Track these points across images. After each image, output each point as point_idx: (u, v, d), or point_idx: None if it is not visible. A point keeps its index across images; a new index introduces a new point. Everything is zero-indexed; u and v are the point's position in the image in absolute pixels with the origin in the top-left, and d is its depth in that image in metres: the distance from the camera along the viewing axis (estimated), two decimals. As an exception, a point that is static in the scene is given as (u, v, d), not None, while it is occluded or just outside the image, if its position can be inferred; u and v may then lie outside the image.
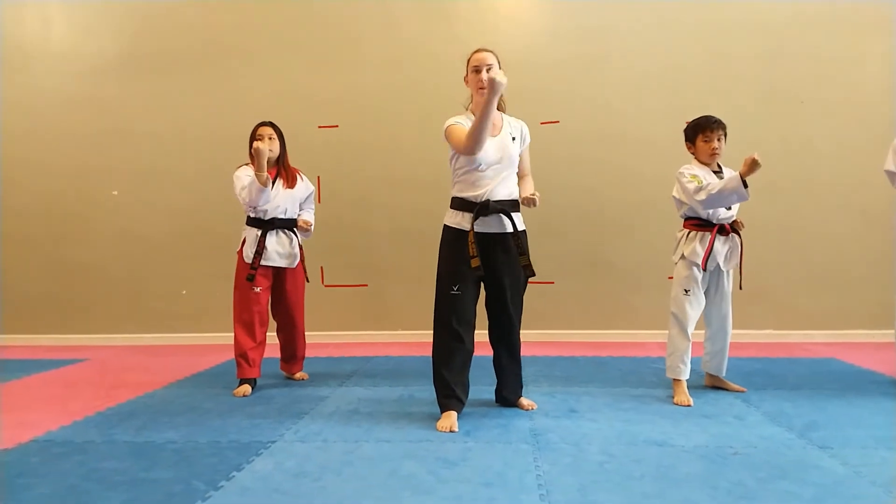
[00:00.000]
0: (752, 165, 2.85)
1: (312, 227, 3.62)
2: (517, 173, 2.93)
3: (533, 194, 2.83)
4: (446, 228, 2.87)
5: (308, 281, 3.69)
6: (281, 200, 3.48)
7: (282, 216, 3.49)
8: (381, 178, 5.05)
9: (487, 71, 2.73)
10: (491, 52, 2.80)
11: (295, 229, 3.55)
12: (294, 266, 3.56)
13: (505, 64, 2.83)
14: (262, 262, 3.43)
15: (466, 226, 2.77)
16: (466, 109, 2.92)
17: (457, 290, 2.79)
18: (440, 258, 2.88)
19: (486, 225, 2.79)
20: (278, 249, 3.48)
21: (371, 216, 5.09)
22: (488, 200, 2.76)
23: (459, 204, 2.83)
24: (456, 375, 2.82)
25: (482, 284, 2.92)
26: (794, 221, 4.85)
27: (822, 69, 4.82)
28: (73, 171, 5.25)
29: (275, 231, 3.48)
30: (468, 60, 2.83)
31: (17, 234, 5.28)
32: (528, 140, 2.97)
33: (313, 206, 3.73)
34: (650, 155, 4.83)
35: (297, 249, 3.55)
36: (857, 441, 2.51)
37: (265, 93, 5.06)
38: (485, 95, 2.57)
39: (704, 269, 3.13)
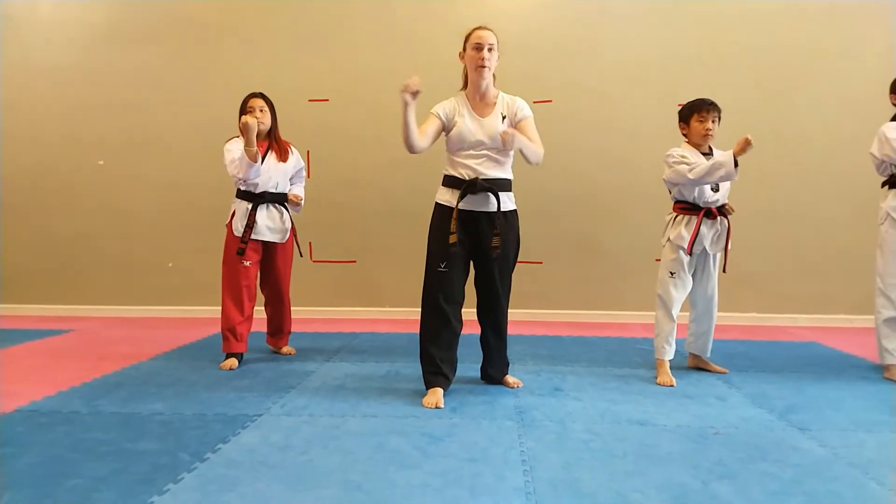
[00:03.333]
0: (745, 145, 2.88)
1: (303, 201, 3.59)
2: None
3: (506, 132, 2.66)
4: (436, 206, 2.88)
5: (301, 255, 3.68)
6: (272, 174, 3.44)
7: (273, 190, 3.46)
8: (371, 154, 5.02)
9: (489, 51, 2.74)
10: (492, 31, 2.78)
11: (286, 204, 3.53)
12: (285, 241, 3.53)
13: (500, 45, 2.82)
14: (253, 237, 3.40)
15: (454, 202, 2.77)
16: (461, 90, 2.91)
17: (444, 268, 2.80)
18: (429, 235, 2.88)
19: (473, 203, 2.78)
20: (269, 224, 3.45)
21: (361, 192, 5.06)
22: (476, 178, 2.76)
23: (449, 181, 2.84)
24: (443, 352, 2.83)
25: (471, 262, 2.92)
26: (781, 207, 4.89)
27: (816, 59, 4.83)
28: (61, 142, 5.17)
29: (265, 205, 3.44)
30: (467, 36, 2.81)
31: (6, 205, 5.21)
32: (525, 114, 2.86)
33: (303, 181, 3.71)
34: (641, 140, 4.83)
35: (287, 224, 3.53)
36: (836, 423, 2.56)
37: (256, 66, 4.99)
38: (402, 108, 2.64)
39: (690, 254, 3.16)
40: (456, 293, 2.84)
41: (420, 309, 2.89)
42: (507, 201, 2.84)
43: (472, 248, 2.85)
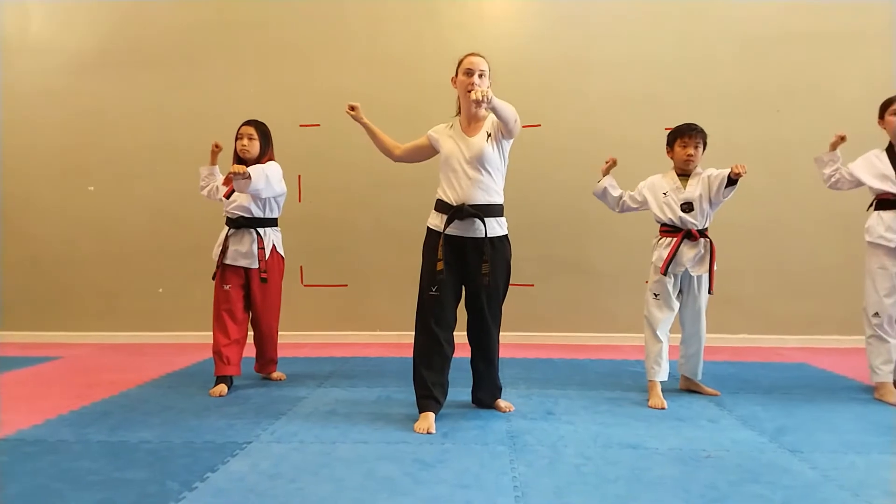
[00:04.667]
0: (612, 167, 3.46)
1: (255, 178, 3.21)
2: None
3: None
4: (427, 230, 2.90)
5: (264, 281, 3.48)
6: (242, 199, 3.43)
7: (246, 215, 3.45)
8: (362, 178, 5.04)
9: (479, 77, 2.78)
10: (483, 58, 2.83)
11: (261, 229, 3.48)
12: (254, 267, 3.47)
13: (490, 65, 2.86)
14: (228, 262, 3.44)
15: (443, 227, 2.80)
16: (456, 115, 2.96)
17: (435, 291, 2.81)
18: (422, 261, 2.90)
19: (461, 229, 2.80)
20: (238, 248, 3.45)
21: (352, 216, 5.08)
22: (464, 204, 2.77)
23: (439, 205, 2.86)
24: (434, 376, 2.83)
25: (463, 286, 2.93)
26: (769, 227, 4.93)
27: (803, 78, 4.91)
28: (50, 166, 5.17)
29: (239, 230, 3.46)
30: (460, 62, 2.85)
31: (-9, 229, 5.20)
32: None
33: (270, 179, 3.38)
34: (632, 160, 4.84)
35: (256, 250, 3.45)
36: (826, 445, 2.56)
37: (247, 90, 5.03)
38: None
39: (664, 273, 3.18)
40: (447, 317, 2.85)
41: (413, 332, 2.89)
42: (497, 227, 2.84)
43: (461, 274, 2.87)
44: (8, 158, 5.17)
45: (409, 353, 2.91)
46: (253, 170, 3.22)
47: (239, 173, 3.14)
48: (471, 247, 2.82)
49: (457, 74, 2.86)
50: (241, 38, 5.09)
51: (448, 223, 2.78)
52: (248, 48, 5.09)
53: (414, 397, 2.88)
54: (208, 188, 3.66)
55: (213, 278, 3.48)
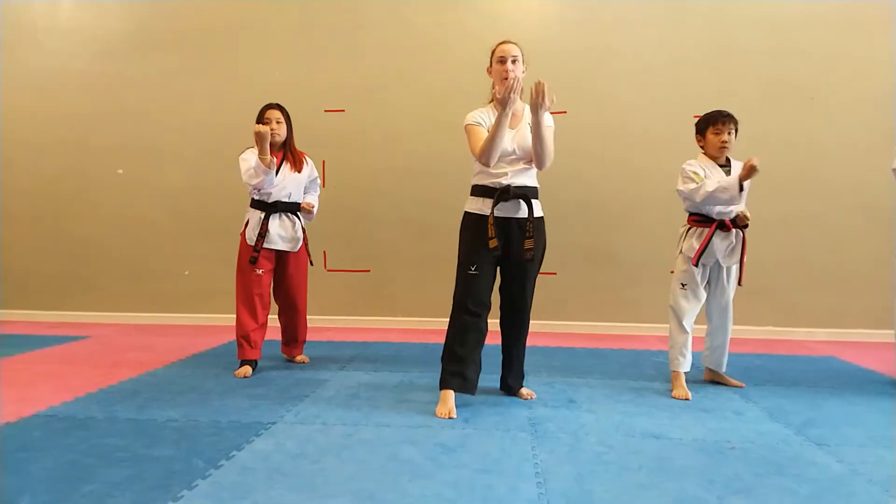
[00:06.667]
0: (751, 171, 2.87)
1: (315, 209, 3.62)
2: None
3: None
4: (467, 215, 2.89)
5: (312, 264, 3.69)
6: (287, 184, 3.48)
7: (286, 199, 3.49)
8: (386, 164, 5.05)
9: (512, 62, 2.77)
10: (515, 44, 2.83)
11: (298, 213, 3.56)
12: (297, 250, 3.55)
13: (524, 57, 2.84)
14: (265, 245, 3.43)
15: (487, 210, 2.80)
16: (490, 103, 2.93)
17: (474, 270, 2.81)
18: (460, 244, 2.90)
19: (505, 210, 2.82)
20: (281, 233, 3.48)
21: (375, 202, 5.09)
22: (509, 185, 2.78)
23: (480, 191, 2.86)
24: (466, 351, 2.81)
25: (499, 270, 2.94)
26: (797, 219, 4.85)
27: (830, 66, 4.81)
28: (78, 149, 5.25)
29: (278, 214, 3.47)
30: (492, 51, 2.86)
31: (22, 211, 5.30)
32: (548, 123, 2.84)
33: (318, 190, 3.74)
34: (655, 149, 4.82)
35: (300, 233, 3.55)
36: (854, 439, 2.52)
37: (272, 76, 5.05)
38: (499, 110, 2.56)
39: (695, 265, 3.14)
40: (483, 297, 2.85)
41: (440, 317, 2.88)
42: (537, 208, 2.87)
43: (504, 254, 2.86)
44: (34, 140, 5.26)
45: (431, 339, 2.91)
46: (315, 201, 3.63)
47: (309, 211, 3.55)
48: (515, 227, 2.84)
49: (491, 64, 2.87)
50: (268, 25, 5.11)
51: (495, 204, 2.78)
52: (274, 34, 5.11)
53: (436, 382, 2.88)
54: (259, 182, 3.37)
55: (253, 262, 3.41)
